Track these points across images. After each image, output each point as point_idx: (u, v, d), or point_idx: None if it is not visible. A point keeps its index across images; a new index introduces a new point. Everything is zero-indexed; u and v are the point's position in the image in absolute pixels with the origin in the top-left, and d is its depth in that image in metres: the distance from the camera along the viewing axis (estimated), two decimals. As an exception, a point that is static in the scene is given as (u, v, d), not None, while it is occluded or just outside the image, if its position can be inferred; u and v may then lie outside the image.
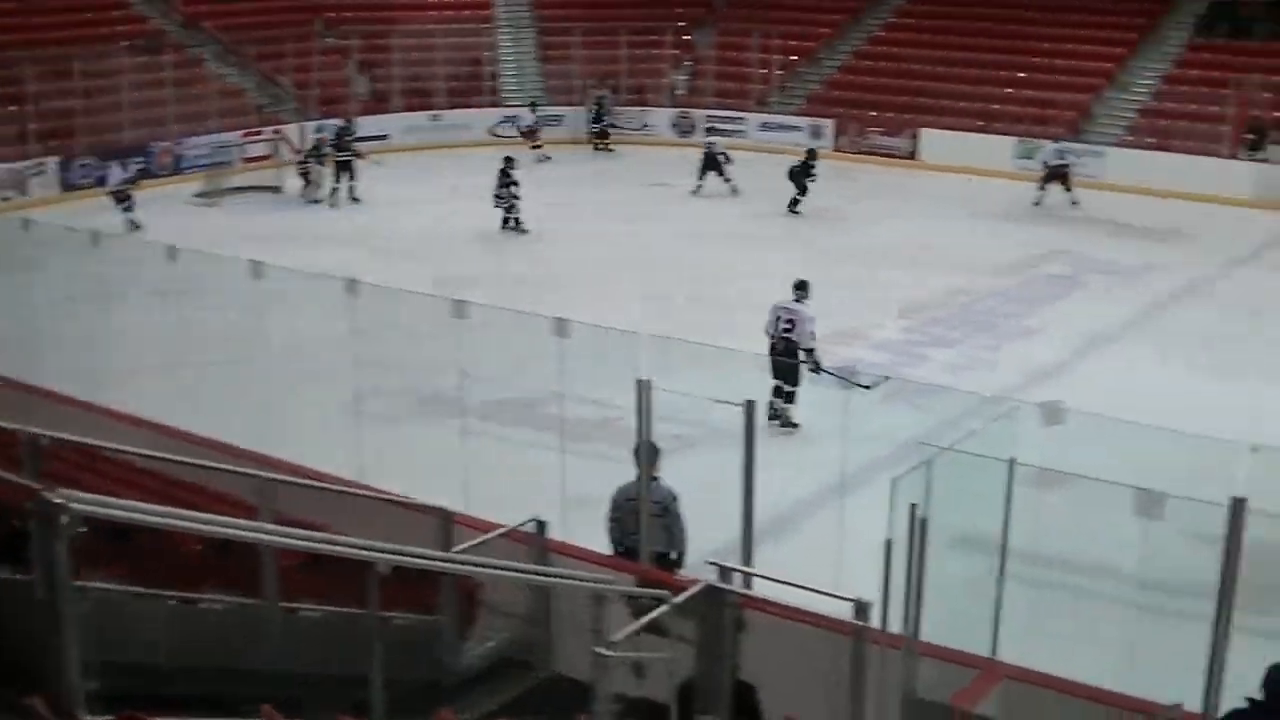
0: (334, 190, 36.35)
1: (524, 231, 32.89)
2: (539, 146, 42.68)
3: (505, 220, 33.10)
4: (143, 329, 23.37)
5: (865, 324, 24.76)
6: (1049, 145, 38.01)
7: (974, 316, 26.22)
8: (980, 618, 11.26)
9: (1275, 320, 26.30)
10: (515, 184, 32.94)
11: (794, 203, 34.87)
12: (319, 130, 38.62)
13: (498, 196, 33.12)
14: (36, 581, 6.71)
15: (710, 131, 42.83)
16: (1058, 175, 37.08)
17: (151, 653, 7.66)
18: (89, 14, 43.09)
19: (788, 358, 20.50)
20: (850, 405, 15.70)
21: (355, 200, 36.22)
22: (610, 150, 44.21)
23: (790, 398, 20.45)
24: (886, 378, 21.04)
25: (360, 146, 37.68)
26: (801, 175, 35.08)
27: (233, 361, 21.04)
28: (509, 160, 33.59)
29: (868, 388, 20.23)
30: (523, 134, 43.10)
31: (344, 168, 36.67)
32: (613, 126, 45.13)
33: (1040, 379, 22.09)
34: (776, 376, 20.40)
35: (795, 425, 20.32)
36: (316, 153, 37.43)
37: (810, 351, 20.62)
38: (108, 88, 40.10)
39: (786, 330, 20.83)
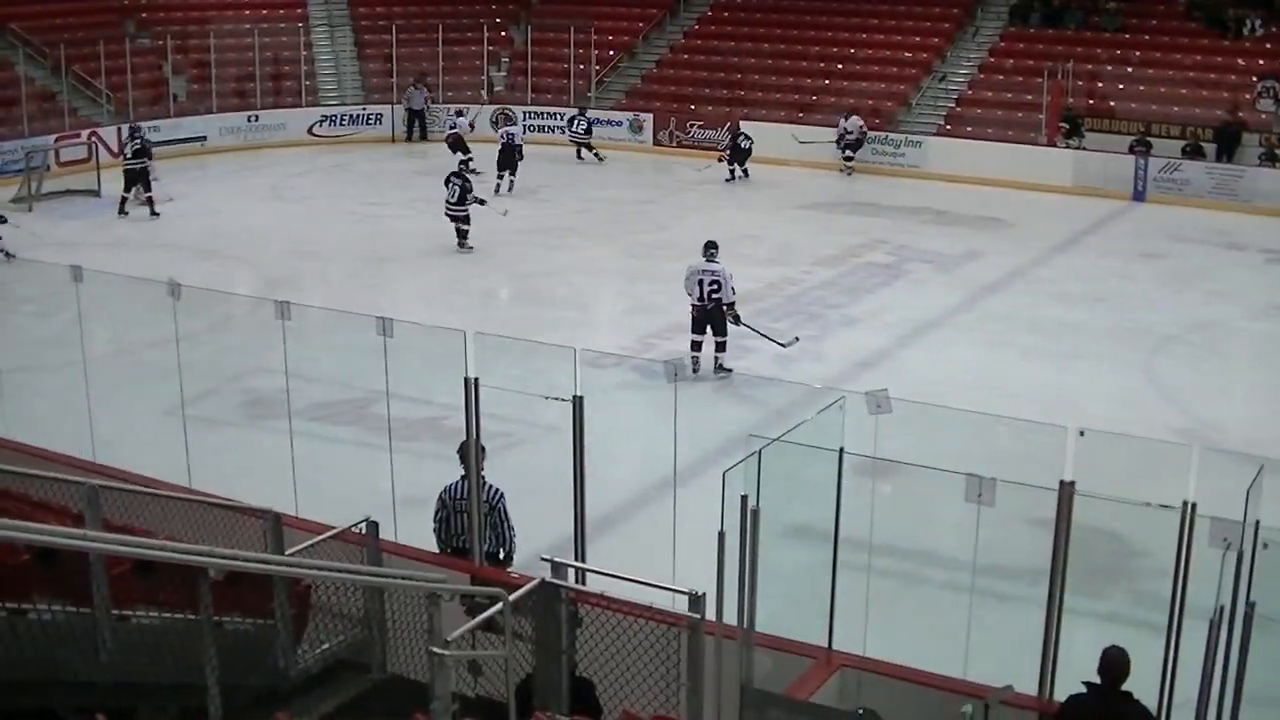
0: (123, 200, 34.83)
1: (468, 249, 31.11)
2: (591, 149, 42.59)
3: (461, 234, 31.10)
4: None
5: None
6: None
7: (799, 307, 26.44)
8: (815, 607, 11.39)
9: (1096, 306, 26.81)
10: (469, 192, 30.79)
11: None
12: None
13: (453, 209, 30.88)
14: None
15: (504, 120, 43.03)
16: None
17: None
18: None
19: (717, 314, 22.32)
20: (682, 398, 15.76)
21: (154, 214, 34.68)
22: (599, 159, 42.45)
23: (722, 347, 22.37)
24: (797, 338, 23.26)
25: (154, 152, 36.80)
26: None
27: (54, 367, 20.73)
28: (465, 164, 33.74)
29: (785, 345, 20.82)
30: (576, 139, 42.82)
31: (135, 177, 35.16)
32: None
33: (866, 368, 22.36)
34: (705, 331, 22.48)
35: (729, 370, 22.28)
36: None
37: (731, 305, 22.35)
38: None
39: (714, 291, 22.27)
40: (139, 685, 8.67)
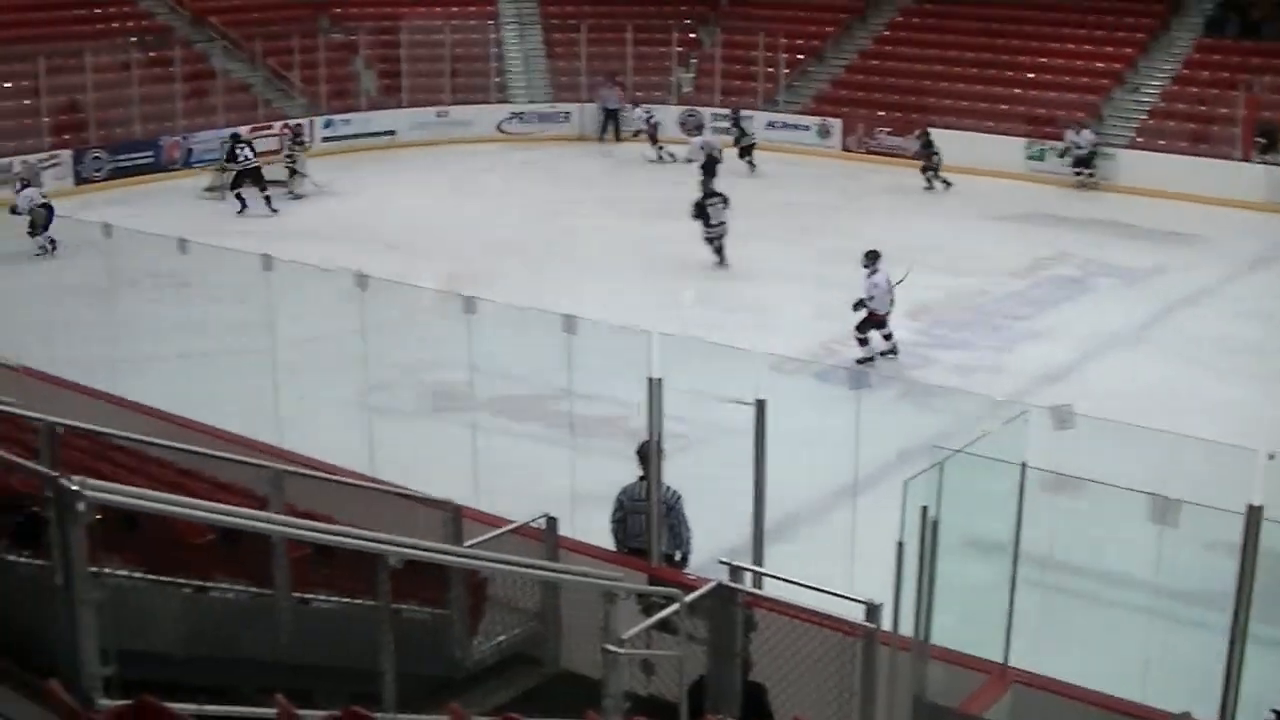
0: (240, 199, 35.24)
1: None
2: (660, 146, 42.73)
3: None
4: (154, 320, 23.43)
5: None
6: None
7: (983, 318, 26.17)
8: (991, 622, 11.22)
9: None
10: None
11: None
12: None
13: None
14: (54, 568, 6.73)
15: (701, 130, 42.82)
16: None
17: (165, 640, 7.68)
18: (98, 9, 43.32)
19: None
20: (862, 407, 15.67)
21: (273, 210, 35.20)
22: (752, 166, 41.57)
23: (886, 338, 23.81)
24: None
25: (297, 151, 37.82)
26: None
27: (243, 353, 21.03)
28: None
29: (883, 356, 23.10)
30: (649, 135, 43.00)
31: (246, 177, 35.50)
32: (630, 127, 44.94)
33: (1049, 382, 22.04)
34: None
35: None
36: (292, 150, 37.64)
37: (860, 302, 23.38)
38: (117, 81, 40.20)
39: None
40: (316, 668, 8.76)
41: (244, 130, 38.94)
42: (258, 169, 35.57)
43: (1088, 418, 11.71)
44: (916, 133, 40.31)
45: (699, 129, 41.37)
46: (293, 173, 37.41)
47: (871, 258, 23.70)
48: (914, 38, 45.56)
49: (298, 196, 36.83)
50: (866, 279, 23.38)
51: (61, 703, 5.62)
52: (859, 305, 23.31)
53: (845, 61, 46.25)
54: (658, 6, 48.07)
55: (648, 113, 43.25)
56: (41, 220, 30.08)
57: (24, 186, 31.21)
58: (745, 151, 40.49)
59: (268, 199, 35.28)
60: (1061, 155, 39.18)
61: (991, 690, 11.05)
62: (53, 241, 29.87)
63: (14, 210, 30.56)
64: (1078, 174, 38.85)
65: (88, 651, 6.35)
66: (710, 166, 35.86)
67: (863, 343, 23.34)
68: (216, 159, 37.83)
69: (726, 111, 43.23)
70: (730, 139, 40.48)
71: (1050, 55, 43.05)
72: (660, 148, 42.33)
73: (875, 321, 23.35)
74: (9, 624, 7.46)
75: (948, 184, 38.03)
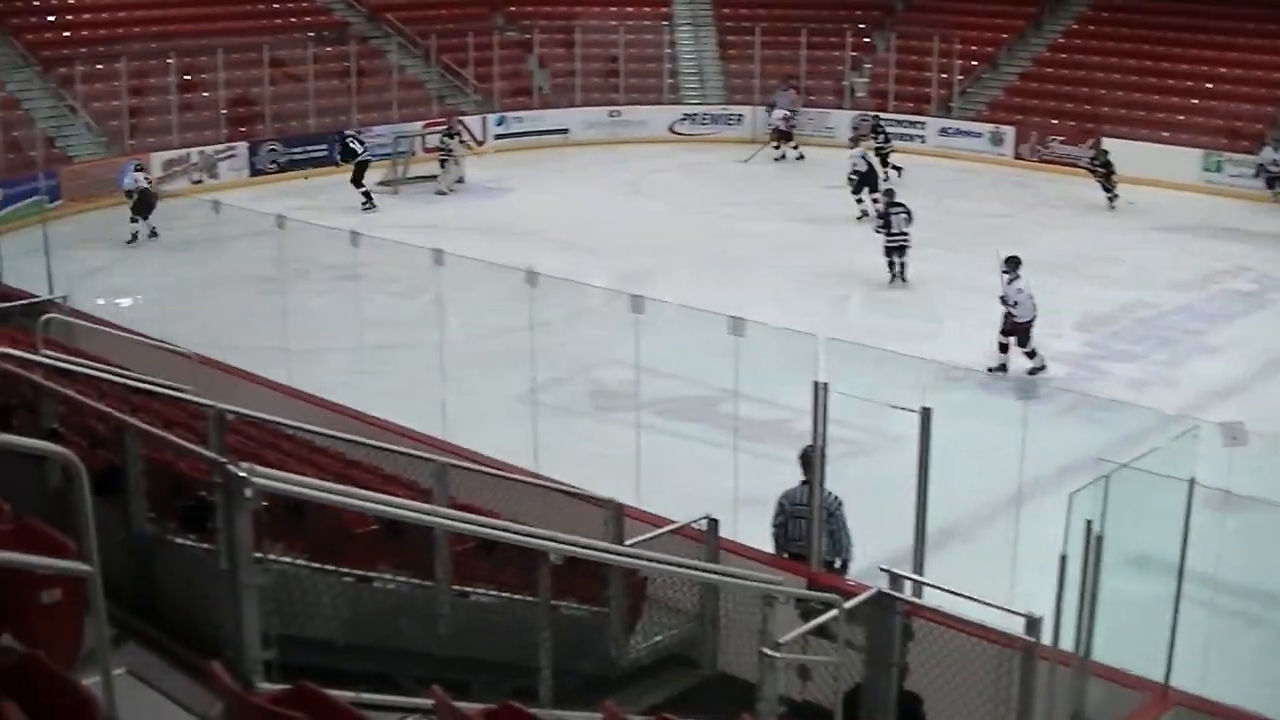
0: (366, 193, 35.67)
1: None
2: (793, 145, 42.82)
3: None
4: (324, 311, 23.73)
5: (1043, 335, 24.44)
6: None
7: (1156, 332, 25.76)
8: (1154, 640, 11.03)
9: None
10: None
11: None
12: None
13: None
14: (220, 552, 6.81)
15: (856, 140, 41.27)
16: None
17: (326, 628, 7.74)
18: (277, 4, 44.04)
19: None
20: (1028, 418, 15.52)
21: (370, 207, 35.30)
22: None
23: (1031, 355, 23.10)
24: None
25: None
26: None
27: (412, 346, 21.25)
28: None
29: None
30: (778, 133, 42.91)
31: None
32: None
33: (1221, 398, 21.59)
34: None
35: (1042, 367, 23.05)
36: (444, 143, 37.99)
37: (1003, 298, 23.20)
38: (294, 76, 40.84)
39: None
40: (474, 661, 8.80)
41: (418, 125, 39.55)
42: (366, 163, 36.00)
43: (1260, 435, 11.48)
44: (1089, 143, 39.78)
45: (875, 133, 40.78)
46: (443, 164, 37.83)
47: (1012, 264, 23.42)
48: (1089, 45, 44.86)
49: (440, 193, 37.25)
50: (1008, 285, 23.12)
51: (223, 684, 5.68)
52: (1006, 319, 23.20)
53: (1020, 68, 45.71)
54: (832, 10, 47.88)
55: (791, 112, 43.25)
56: (144, 206, 30.95)
57: (137, 168, 31.93)
58: (884, 159, 39.63)
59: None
60: (1255, 175, 38.32)
61: (1152, 710, 10.87)
62: (153, 231, 30.65)
63: (128, 193, 31.49)
64: (1275, 193, 37.86)
65: (250, 635, 6.44)
66: (867, 178, 35.14)
67: (1004, 348, 23.17)
68: (389, 154, 38.26)
69: (870, 117, 42.64)
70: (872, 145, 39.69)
71: (1229, 65, 42.20)
72: (790, 148, 42.44)
73: (1018, 330, 23.04)
74: (175, 605, 7.57)
75: (1120, 199, 37.16)
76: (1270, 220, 35.22)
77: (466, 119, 42.49)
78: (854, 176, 34.54)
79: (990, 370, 22.62)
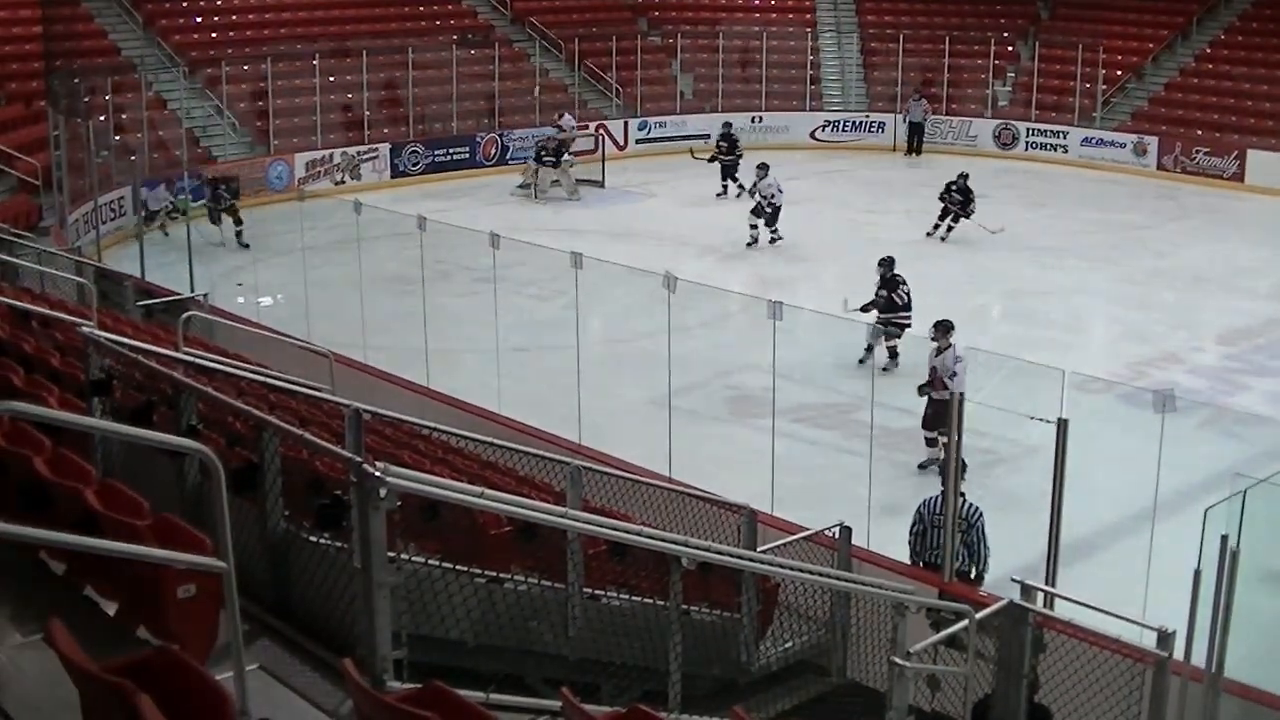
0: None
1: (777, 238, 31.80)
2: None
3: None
4: (463, 313, 23.90)
5: (1183, 348, 24.17)
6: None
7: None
8: (1288, 659, 10.91)
9: None
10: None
11: None
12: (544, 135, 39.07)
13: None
14: (353, 551, 6.87)
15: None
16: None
17: (458, 628, 7.78)
18: (423, 6, 44.40)
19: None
20: (1166, 431, 15.30)
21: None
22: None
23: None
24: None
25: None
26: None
27: (550, 349, 21.37)
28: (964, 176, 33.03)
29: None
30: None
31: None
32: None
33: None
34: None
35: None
36: (538, 156, 37.53)
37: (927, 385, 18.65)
38: (438, 79, 41.20)
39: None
40: (604, 664, 8.82)
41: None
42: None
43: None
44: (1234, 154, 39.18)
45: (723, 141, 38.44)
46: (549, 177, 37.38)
47: (943, 330, 18.88)
48: (1237, 55, 44.22)
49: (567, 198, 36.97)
50: (933, 357, 18.76)
51: (354, 682, 5.73)
52: (924, 389, 18.65)
53: (1165, 78, 45.12)
54: (977, 17, 47.63)
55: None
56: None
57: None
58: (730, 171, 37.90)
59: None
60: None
61: (1286, 728, 10.74)
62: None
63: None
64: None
65: (381, 634, 6.48)
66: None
67: (931, 443, 18.55)
68: (528, 157, 38.45)
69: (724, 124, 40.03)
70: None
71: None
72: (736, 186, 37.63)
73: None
74: (308, 603, 7.64)
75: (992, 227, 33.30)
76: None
77: (608, 123, 42.66)
78: (768, 209, 32.08)
79: (922, 466, 18.50)
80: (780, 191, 31.71)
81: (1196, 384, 22.30)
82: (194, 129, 36.77)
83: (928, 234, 32.14)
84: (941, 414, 16.62)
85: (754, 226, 31.60)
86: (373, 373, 18.64)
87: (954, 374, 17.90)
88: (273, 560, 7.93)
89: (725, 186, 36.80)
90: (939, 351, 18.49)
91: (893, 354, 21.79)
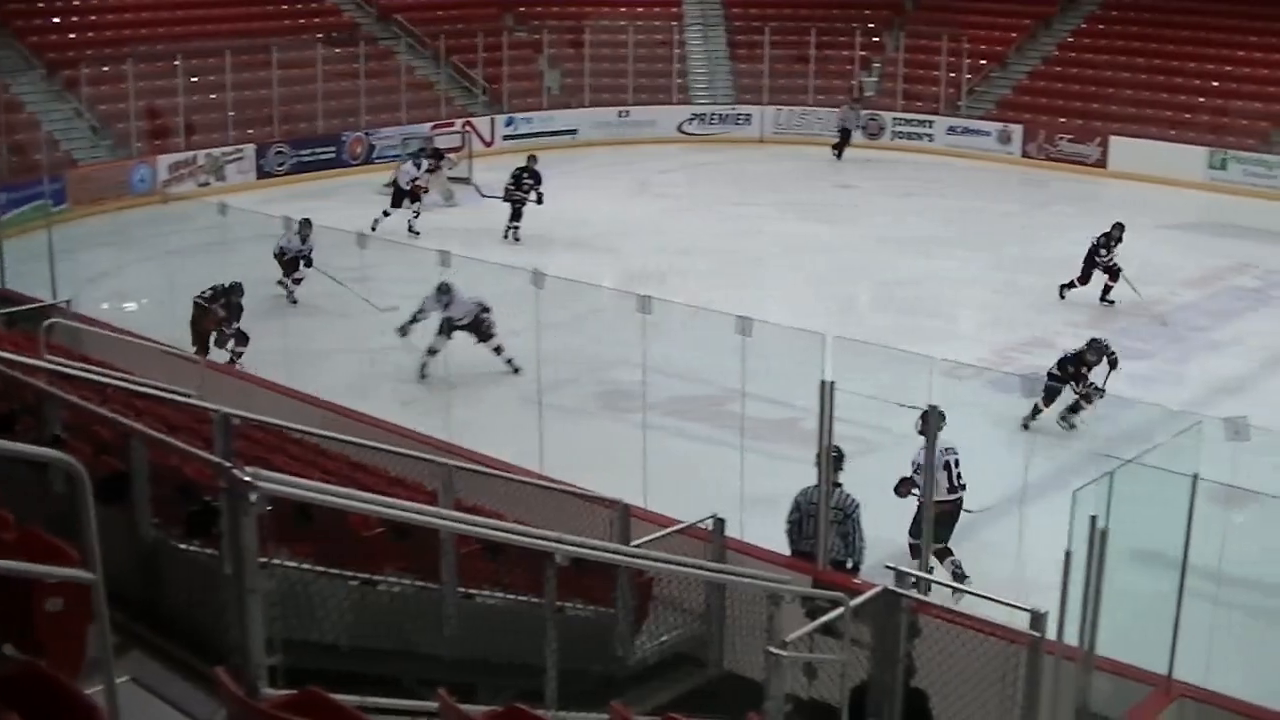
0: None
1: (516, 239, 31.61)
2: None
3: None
4: (331, 314, 23.75)
5: (1049, 333, 24.45)
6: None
7: (1161, 329, 25.73)
8: (1158, 634, 11.06)
9: None
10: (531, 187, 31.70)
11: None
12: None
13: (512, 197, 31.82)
14: (224, 557, 6.83)
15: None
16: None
17: (332, 631, 7.76)
18: (286, 5, 44.10)
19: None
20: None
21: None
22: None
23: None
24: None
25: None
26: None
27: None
28: (532, 158, 32.81)
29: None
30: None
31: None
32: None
33: (1226, 394, 21.59)
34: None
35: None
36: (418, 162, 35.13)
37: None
38: (303, 78, 40.86)
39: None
40: (480, 663, 8.82)
41: (426, 127, 39.60)
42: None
43: (1263, 430, 11.50)
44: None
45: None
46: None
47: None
48: (1099, 44, 44.94)
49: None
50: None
51: (228, 690, 5.69)
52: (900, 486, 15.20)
53: (1029, 67, 45.74)
54: (842, 9, 47.97)
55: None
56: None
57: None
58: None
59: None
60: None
61: (1156, 703, 10.91)
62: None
63: None
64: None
65: (255, 640, 6.43)
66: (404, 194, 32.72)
67: (915, 552, 14.79)
68: (398, 155, 38.21)
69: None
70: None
71: (1236, 63, 42.28)
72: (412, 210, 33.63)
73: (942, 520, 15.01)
74: (180, 612, 7.59)
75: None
76: (1274, 217, 35.10)
77: (475, 120, 42.58)
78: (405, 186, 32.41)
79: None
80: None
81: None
82: (53, 132, 36.16)
83: None
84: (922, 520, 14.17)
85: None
86: (241, 376, 18.48)
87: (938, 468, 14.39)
88: (144, 570, 7.86)
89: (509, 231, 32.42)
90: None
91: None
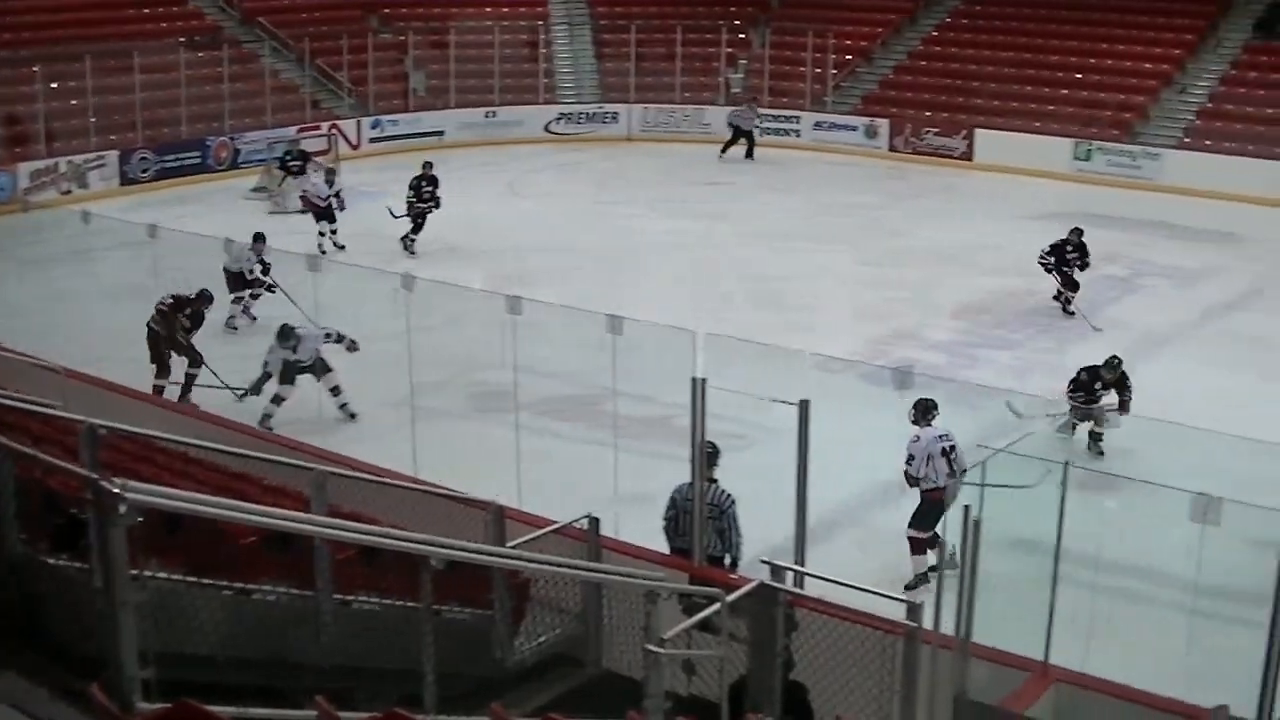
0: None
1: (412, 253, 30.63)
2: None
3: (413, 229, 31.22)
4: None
5: (918, 325, 24.68)
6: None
7: (1035, 319, 26.01)
8: (1033, 620, 11.20)
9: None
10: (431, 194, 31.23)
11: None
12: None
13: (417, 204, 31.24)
14: (94, 570, 6.75)
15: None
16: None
17: (207, 642, 7.69)
18: (147, 9, 43.50)
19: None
20: (908, 406, 15.58)
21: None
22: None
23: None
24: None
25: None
26: None
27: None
28: (428, 165, 32.14)
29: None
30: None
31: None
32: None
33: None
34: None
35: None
36: (284, 164, 35.71)
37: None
38: (166, 82, 40.28)
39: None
40: (357, 669, 8.77)
41: (292, 130, 39.29)
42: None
43: (1134, 417, 11.69)
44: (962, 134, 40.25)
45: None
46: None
47: (921, 410, 15.96)
48: (963, 39, 45.53)
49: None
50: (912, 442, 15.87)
51: (101, 706, 5.63)
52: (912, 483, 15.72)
53: (894, 62, 46.17)
54: (708, 7, 48.14)
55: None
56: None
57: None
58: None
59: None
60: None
61: (1033, 688, 11.03)
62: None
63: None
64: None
65: (127, 654, 6.36)
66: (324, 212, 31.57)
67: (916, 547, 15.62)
68: (264, 160, 37.92)
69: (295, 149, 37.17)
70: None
71: (1099, 56, 42.88)
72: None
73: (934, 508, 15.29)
74: (49, 627, 7.49)
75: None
76: (1140, 207, 35.63)
77: (341, 123, 42.35)
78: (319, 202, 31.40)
79: (909, 587, 15.12)
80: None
81: (935, 359, 22.82)
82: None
83: None
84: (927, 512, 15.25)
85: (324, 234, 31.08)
86: (108, 386, 18.25)
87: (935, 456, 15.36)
88: (13, 586, 7.75)
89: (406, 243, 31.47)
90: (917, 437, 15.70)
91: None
